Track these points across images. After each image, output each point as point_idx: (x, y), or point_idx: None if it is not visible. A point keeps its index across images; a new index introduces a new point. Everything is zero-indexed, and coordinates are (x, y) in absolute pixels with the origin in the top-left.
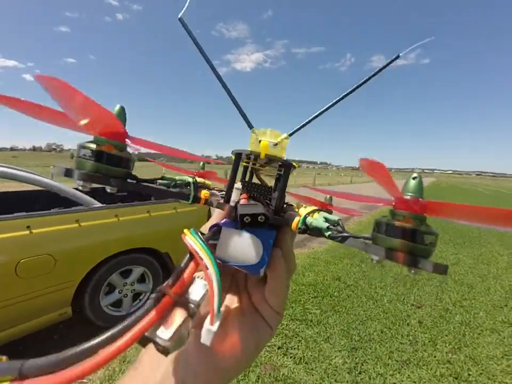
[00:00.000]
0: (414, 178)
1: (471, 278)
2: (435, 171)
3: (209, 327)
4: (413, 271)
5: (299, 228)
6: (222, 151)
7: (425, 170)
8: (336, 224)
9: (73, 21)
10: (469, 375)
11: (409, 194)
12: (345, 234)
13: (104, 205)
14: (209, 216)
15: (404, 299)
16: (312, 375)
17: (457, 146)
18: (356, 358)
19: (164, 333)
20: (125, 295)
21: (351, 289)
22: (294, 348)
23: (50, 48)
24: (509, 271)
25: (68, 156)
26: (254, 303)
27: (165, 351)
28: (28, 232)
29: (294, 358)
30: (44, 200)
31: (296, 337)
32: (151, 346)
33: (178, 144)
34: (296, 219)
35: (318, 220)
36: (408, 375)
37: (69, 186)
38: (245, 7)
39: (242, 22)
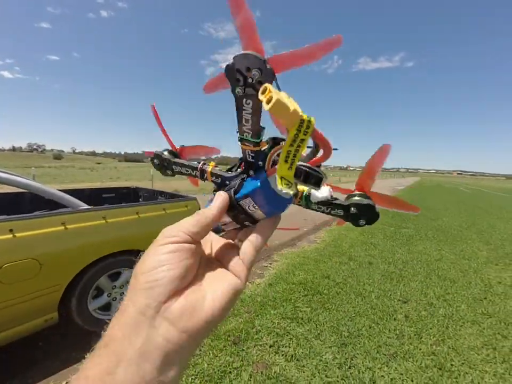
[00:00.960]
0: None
1: (453, 273)
2: (419, 170)
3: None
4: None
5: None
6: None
7: (410, 170)
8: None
9: (55, 17)
10: (452, 365)
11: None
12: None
13: (91, 207)
14: None
15: (390, 295)
16: (304, 372)
17: (440, 147)
18: (345, 353)
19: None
20: (114, 298)
21: (340, 286)
22: (285, 346)
23: (31, 44)
24: (488, 266)
25: (51, 156)
26: (223, 260)
27: None
28: (11, 236)
29: (286, 355)
30: (28, 203)
31: (287, 335)
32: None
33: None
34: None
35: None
36: (395, 368)
37: (53, 188)
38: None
39: (231, 22)
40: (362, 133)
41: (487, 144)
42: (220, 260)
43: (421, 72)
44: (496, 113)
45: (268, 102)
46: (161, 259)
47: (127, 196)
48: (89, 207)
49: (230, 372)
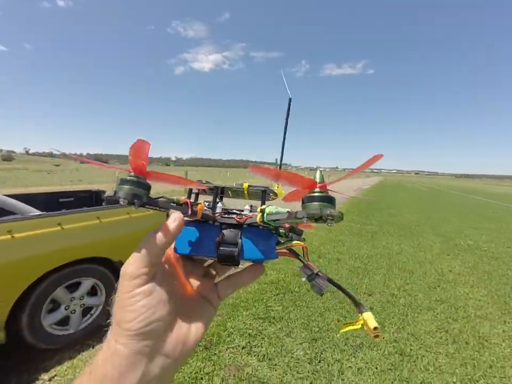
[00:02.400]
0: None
1: (411, 264)
2: (382, 170)
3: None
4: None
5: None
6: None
7: (374, 170)
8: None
9: (4, 3)
10: (411, 350)
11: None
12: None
13: (44, 212)
14: (167, 218)
15: (357, 288)
16: (276, 370)
17: (400, 149)
18: (315, 348)
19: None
20: (73, 311)
21: None
22: (258, 346)
23: None
24: (441, 256)
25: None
26: (201, 291)
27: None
28: None
29: (258, 355)
30: None
31: (259, 335)
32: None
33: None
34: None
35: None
36: (362, 358)
37: None
38: (200, 7)
39: (200, 22)
40: (331, 133)
41: (442, 145)
42: (193, 283)
43: (381, 78)
44: (449, 117)
45: None
46: (142, 305)
47: (88, 200)
48: (41, 212)
49: (202, 378)
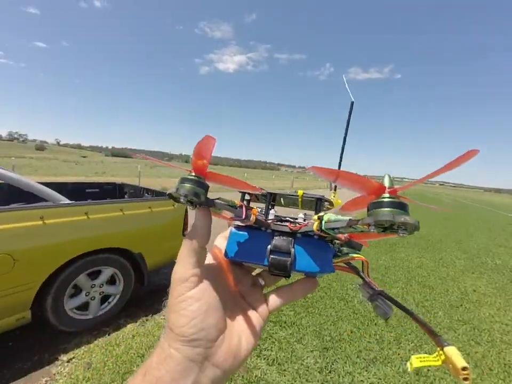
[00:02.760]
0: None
1: (432, 280)
2: (404, 179)
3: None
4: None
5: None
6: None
7: (395, 179)
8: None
9: (44, 3)
10: (428, 370)
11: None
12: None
13: (73, 201)
14: (185, 216)
15: None
16: (285, 376)
17: (424, 157)
18: (326, 357)
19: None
20: (92, 298)
21: (324, 290)
22: (268, 350)
23: (17, 29)
24: (465, 274)
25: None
26: (249, 301)
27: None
28: None
29: (267, 359)
30: (3, 195)
31: (269, 339)
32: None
33: (153, 139)
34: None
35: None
36: (375, 373)
37: (32, 180)
38: (228, 8)
39: (227, 23)
40: (355, 139)
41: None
42: (244, 296)
43: (408, 83)
44: (478, 130)
45: None
46: (194, 310)
47: (112, 192)
48: (70, 201)
49: None
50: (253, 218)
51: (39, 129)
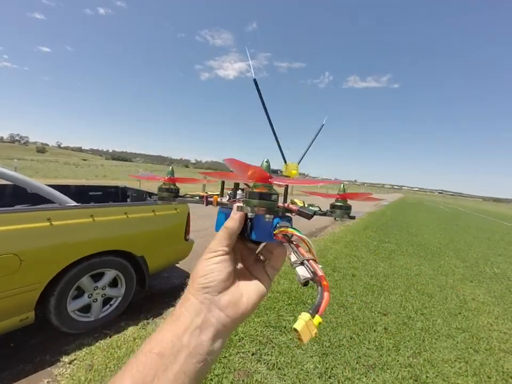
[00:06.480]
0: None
1: (431, 287)
2: (403, 187)
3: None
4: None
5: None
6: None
7: (394, 186)
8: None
9: (50, 9)
10: (427, 377)
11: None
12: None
13: (80, 204)
14: (188, 219)
15: (371, 307)
16: (285, 380)
17: (424, 166)
18: (326, 363)
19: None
20: (95, 300)
21: None
22: (268, 354)
23: (22, 33)
24: (464, 282)
25: (34, 149)
26: (254, 273)
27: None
28: None
29: (268, 364)
30: (7, 196)
31: (269, 343)
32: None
33: (154, 144)
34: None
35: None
36: (374, 379)
37: (40, 182)
38: (230, 17)
39: (228, 31)
40: (349, 148)
41: (468, 167)
42: (250, 270)
43: (406, 93)
44: (476, 140)
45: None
46: (211, 268)
47: (115, 195)
48: (77, 204)
49: (211, 379)
50: (214, 202)
51: (41, 132)
